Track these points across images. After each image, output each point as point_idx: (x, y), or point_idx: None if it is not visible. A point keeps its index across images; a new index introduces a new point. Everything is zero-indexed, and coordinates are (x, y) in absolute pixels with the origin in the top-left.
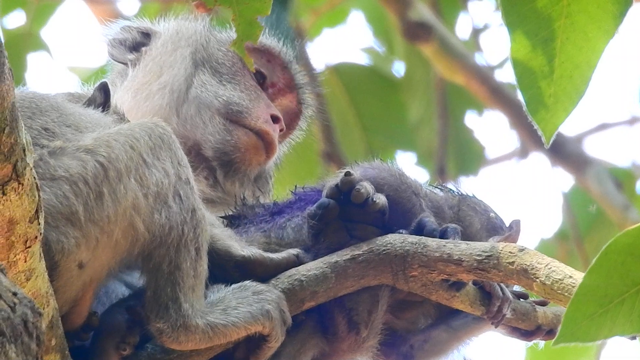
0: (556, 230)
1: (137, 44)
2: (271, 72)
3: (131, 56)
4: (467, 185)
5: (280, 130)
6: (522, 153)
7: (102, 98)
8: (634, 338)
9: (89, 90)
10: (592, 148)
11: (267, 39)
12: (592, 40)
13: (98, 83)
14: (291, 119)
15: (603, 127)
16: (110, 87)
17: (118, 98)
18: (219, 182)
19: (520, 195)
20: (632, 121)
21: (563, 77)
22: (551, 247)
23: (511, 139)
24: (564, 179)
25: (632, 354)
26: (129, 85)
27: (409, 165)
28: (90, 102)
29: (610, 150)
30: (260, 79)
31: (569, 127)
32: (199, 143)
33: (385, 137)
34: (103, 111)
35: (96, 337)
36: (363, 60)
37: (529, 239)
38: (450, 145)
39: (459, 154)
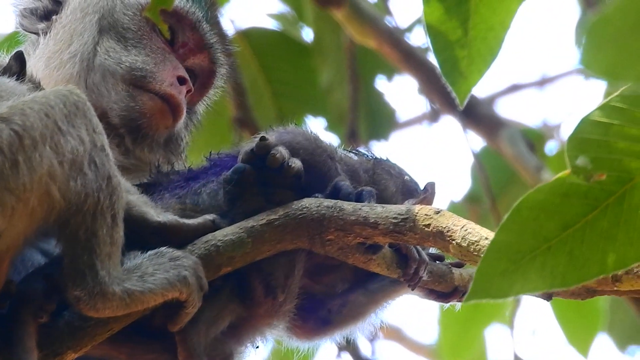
0: (466, 193)
1: (49, 12)
2: (181, 32)
3: (42, 25)
4: (379, 149)
5: (188, 92)
6: (433, 116)
7: (17, 67)
8: (549, 298)
9: (4, 59)
10: (504, 109)
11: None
12: (506, 1)
13: (13, 52)
14: (206, 78)
15: (515, 88)
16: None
17: (31, 67)
18: (129, 149)
19: (432, 159)
20: (543, 82)
21: (477, 39)
22: (461, 210)
23: (421, 102)
24: (476, 142)
25: (543, 316)
26: (40, 54)
27: (319, 131)
28: (5, 71)
29: (521, 111)
30: (170, 40)
31: (481, 89)
32: (106, 111)
33: (295, 102)
34: (18, 80)
35: (13, 305)
36: (272, 25)
37: (441, 202)
38: (361, 109)
39: (370, 118)
